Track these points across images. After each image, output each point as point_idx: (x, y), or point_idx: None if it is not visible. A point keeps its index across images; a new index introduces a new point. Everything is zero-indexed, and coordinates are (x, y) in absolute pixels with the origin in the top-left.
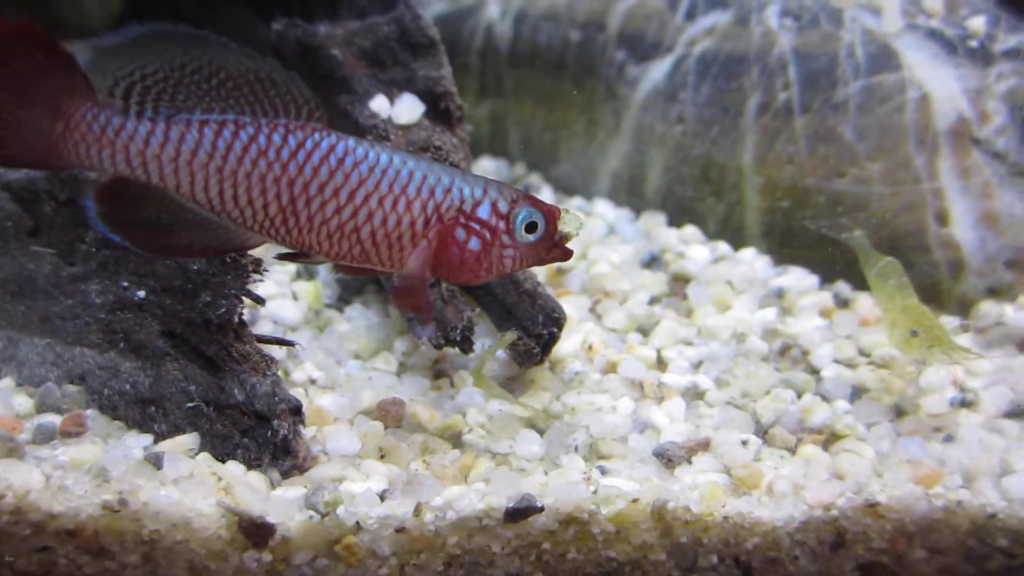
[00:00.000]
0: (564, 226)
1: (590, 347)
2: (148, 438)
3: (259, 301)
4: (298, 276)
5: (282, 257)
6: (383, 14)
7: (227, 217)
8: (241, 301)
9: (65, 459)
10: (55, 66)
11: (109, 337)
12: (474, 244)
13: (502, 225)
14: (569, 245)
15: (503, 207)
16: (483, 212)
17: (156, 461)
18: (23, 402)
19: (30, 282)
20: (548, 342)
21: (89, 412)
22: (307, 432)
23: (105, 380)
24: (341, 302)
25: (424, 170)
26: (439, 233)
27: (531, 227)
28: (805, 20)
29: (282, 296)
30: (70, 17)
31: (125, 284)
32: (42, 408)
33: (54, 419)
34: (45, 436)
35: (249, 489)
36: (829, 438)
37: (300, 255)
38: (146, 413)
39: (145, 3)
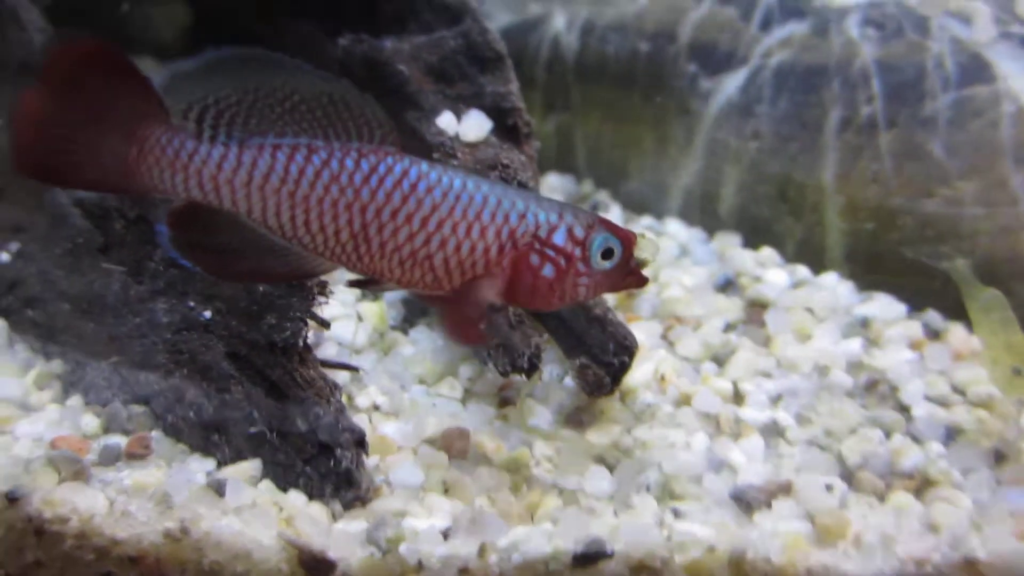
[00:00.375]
0: (640, 252)
1: (662, 377)
2: (211, 463)
3: (324, 324)
4: (363, 296)
5: (353, 284)
6: (450, 28)
7: (298, 243)
8: (306, 324)
9: (129, 483)
10: (130, 89)
11: (175, 358)
12: (548, 271)
13: (578, 252)
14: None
15: (579, 233)
16: (559, 238)
17: (218, 488)
18: (90, 422)
19: (99, 300)
20: (619, 371)
21: (154, 434)
22: (370, 461)
23: (170, 403)
24: (406, 323)
25: (498, 195)
26: (513, 260)
27: (607, 253)
28: (889, 29)
29: (347, 317)
30: (138, 34)
31: (192, 304)
32: (109, 428)
33: (120, 440)
34: (111, 457)
35: (310, 521)
36: (921, 484)
37: (371, 282)
38: (209, 438)
39: (211, 20)
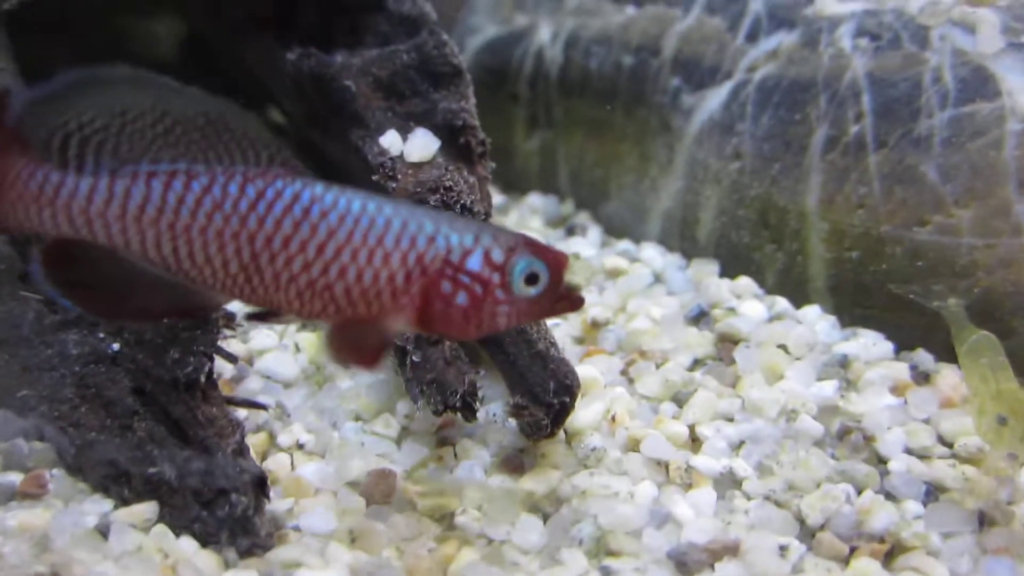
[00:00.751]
0: (572, 275)
1: (613, 418)
2: (109, 504)
3: (231, 359)
4: (303, 326)
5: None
6: (407, 41)
7: (184, 276)
8: (211, 359)
9: (14, 523)
10: None
11: (81, 392)
12: (462, 299)
13: (496, 277)
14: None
15: (497, 257)
16: (473, 263)
17: (105, 531)
18: None
19: (16, 329)
20: (559, 413)
21: (54, 472)
22: (283, 504)
23: (72, 439)
24: None
25: (404, 216)
26: (422, 287)
27: (532, 279)
28: (884, 40)
29: (281, 348)
30: (139, 50)
31: (102, 335)
32: (8, 465)
33: (16, 478)
34: (3, 496)
35: (195, 570)
36: (893, 548)
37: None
38: (110, 476)
39: (201, 36)
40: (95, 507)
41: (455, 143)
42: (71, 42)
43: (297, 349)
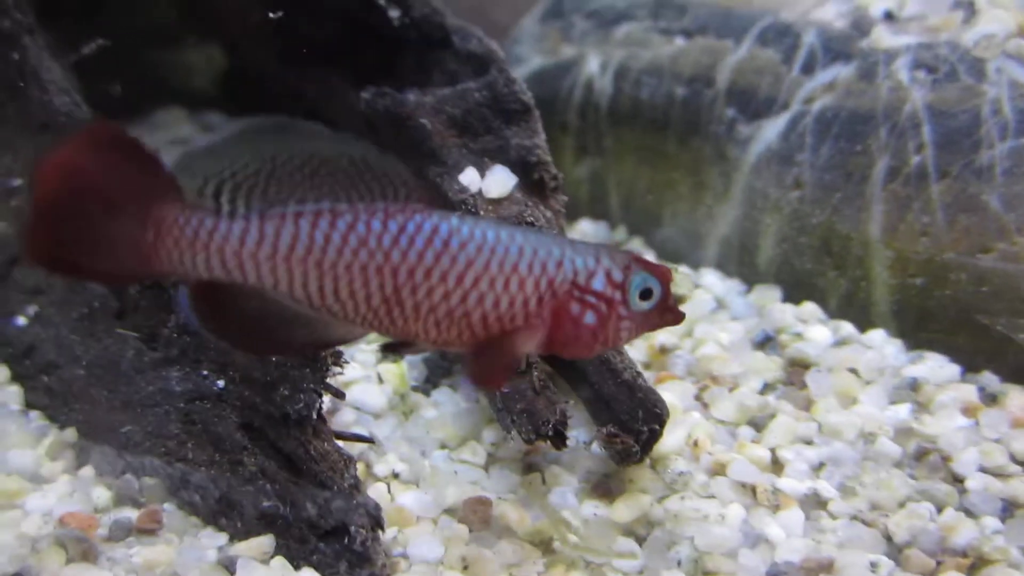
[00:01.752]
0: (676, 288)
1: (695, 443)
2: (223, 537)
3: (339, 395)
4: (383, 358)
5: (386, 348)
6: (476, 79)
7: (327, 311)
8: (320, 396)
9: (139, 560)
10: (140, 170)
11: (188, 428)
12: (590, 319)
13: (618, 296)
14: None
15: (617, 276)
16: (598, 284)
17: (229, 565)
18: (101, 494)
19: (114, 366)
20: (648, 440)
21: (166, 506)
22: (388, 534)
23: (183, 474)
24: (428, 384)
25: (533, 244)
26: (553, 310)
27: (646, 294)
28: (941, 73)
29: (366, 380)
30: (179, 83)
31: (205, 373)
32: (120, 501)
33: (131, 514)
34: (121, 532)
35: None
36: (976, 562)
37: (404, 345)
38: (222, 512)
39: (242, 67)
40: (212, 541)
41: (529, 178)
42: (111, 75)
43: (380, 380)
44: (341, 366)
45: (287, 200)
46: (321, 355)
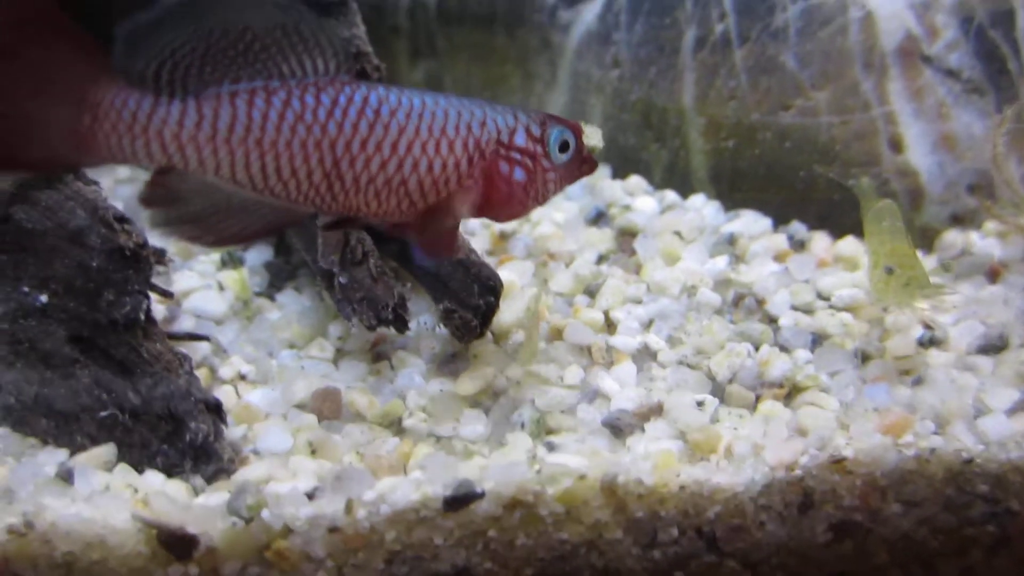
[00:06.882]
0: (587, 139)
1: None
2: (64, 453)
3: (167, 295)
4: (223, 265)
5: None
6: None
7: (270, 193)
8: (147, 297)
9: None
10: (75, 52)
11: (15, 348)
12: (519, 175)
13: (539, 150)
14: None
15: (536, 130)
16: (520, 139)
17: (68, 477)
18: None
19: None
20: (486, 313)
21: (0, 430)
22: (237, 431)
23: (15, 395)
24: (272, 289)
25: (456, 107)
26: (483, 170)
27: (563, 146)
28: None
29: (206, 288)
30: None
31: (26, 289)
32: None
33: None
34: None
35: (168, 499)
36: (791, 391)
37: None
38: (60, 427)
39: None
40: (51, 457)
41: (351, 69)
42: None
43: (221, 288)
44: (165, 264)
45: (221, 79)
46: (143, 256)
